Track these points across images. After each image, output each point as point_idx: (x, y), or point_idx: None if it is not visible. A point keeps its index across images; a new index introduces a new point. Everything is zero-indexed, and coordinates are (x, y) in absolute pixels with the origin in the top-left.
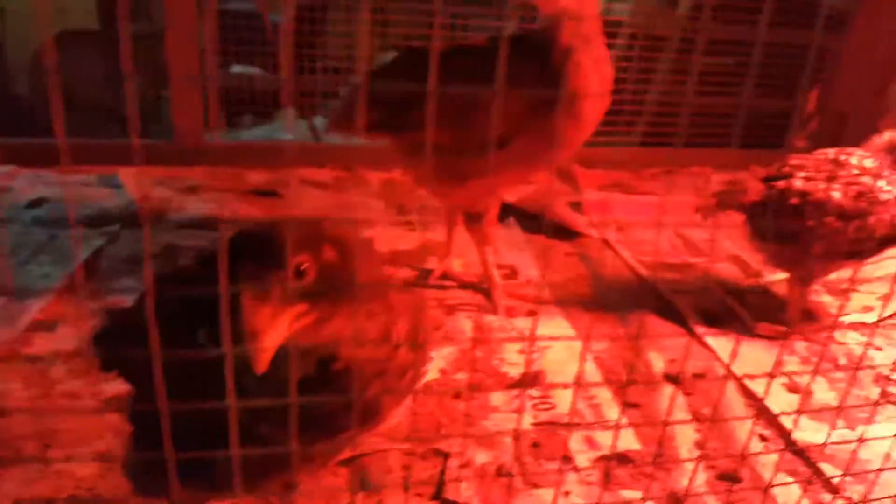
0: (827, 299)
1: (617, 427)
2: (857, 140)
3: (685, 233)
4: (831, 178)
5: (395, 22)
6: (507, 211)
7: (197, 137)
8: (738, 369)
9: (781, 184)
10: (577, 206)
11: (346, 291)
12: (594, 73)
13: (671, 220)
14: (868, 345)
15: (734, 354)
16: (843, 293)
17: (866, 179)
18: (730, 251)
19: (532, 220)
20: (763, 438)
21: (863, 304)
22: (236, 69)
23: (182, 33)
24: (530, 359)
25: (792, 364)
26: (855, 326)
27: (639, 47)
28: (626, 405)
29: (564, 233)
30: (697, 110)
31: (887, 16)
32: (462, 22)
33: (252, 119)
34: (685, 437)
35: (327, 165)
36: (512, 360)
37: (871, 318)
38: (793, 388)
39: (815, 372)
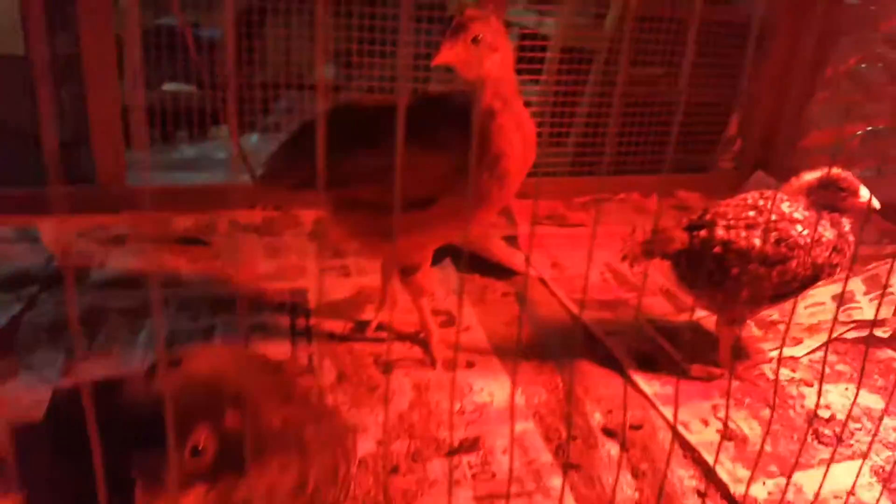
0: (756, 332)
1: (560, 500)
2: (780, 160)
3: (616, 266)
4: (751, 226)
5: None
6: (442, 251)
7: (121, 181)
8: (674, 416)
9: (703, 233)
10: (512, 241)
11: (252, 454)
12: (517, 134)
13: (601, 255)
14: (799, 382)
15: (676, 405)
16: (772, 325)
17: (785, 225)
18: (661, 285)
19: (468, 260)
20: (700, 494)
21: (791, 336)
22: (169, 87)
23: (100, 58)
24: (469, 419)
25: (725, 408)
26: (784, 362)
27: (567, 61)
28: (567, 466)
29: (500, 271)
30: (624, 132)
31: (804, 37)
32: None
33: (187, 137)
34: (626, 497)
35: (257, 206)
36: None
37: (800, 350)
38: (729, 435)
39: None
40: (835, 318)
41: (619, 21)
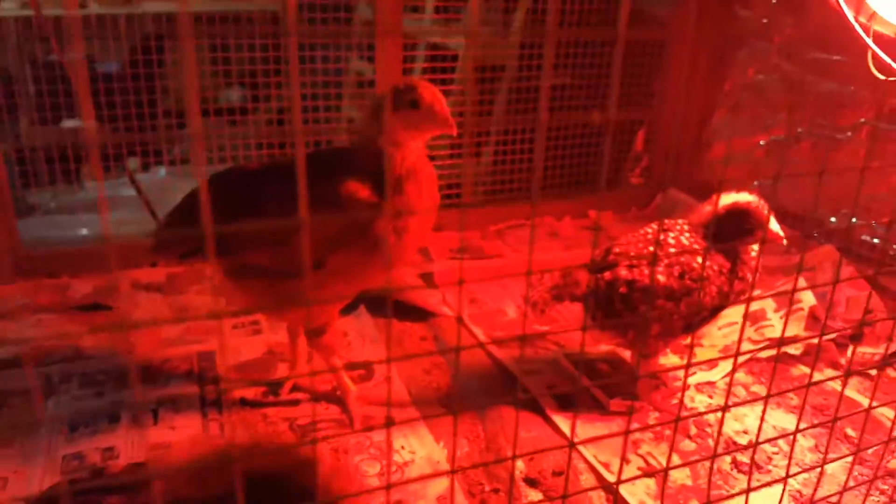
0: (674, 359)
1: None
2: (688, 174)
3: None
4: (653, 262)
5: (237, 58)
6: (355, 298)
7: (13, 249)
8: (596, 456)
9: (608, 275)
10: (428, 278)
11: None
12: (425, 193)
13: (517, 286)
14: (716, 408)
15: (596, 445)
16: (686, 349)
17: (687, 257)
18: (578, 315)
19: (383, 305)
20: None
21: (706, 358)
22: (68, 123)
23: None
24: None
25: (646, 443)
26: (701, 387)
27: (480, 80)
28: None
29: (417, 313)
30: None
31: (702, 50)
32: (309, 53)
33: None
34: None
35: (158, 263)
36: (372, 484)
37: (716, 374)
38: (649, 472)
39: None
40: (740, 338)
41: (526, 26)
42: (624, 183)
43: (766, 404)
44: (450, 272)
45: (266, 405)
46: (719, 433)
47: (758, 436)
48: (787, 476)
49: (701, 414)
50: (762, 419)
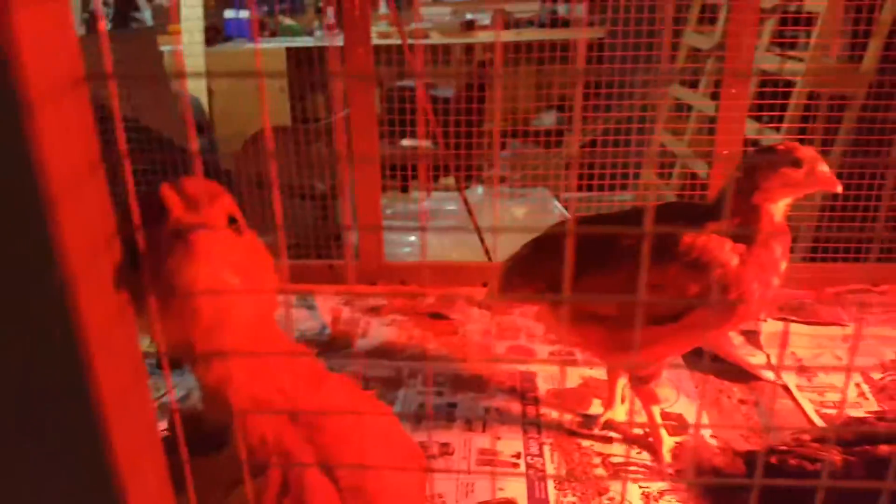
0: None
1: None
2: None
3: (875, 379)
4: None
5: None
6: None
7: (379, 257)
8: None
9: None
10: (752, 336)
11: None
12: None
13: (858, 361)
14: None
15: None
16: None
17: None
18: None
19: (700, 358)
20: None
21: None
22: (404, 142)
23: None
24: None
25: None
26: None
27: (815, 108)
28: None
29: (738, 373)
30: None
31: None
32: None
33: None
34: None
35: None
36: None
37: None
38: None
39: None
40: None
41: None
42: None
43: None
44: (777, 334)
45: (580, 436)
46: None
47: None
48: None
49: None
50: None
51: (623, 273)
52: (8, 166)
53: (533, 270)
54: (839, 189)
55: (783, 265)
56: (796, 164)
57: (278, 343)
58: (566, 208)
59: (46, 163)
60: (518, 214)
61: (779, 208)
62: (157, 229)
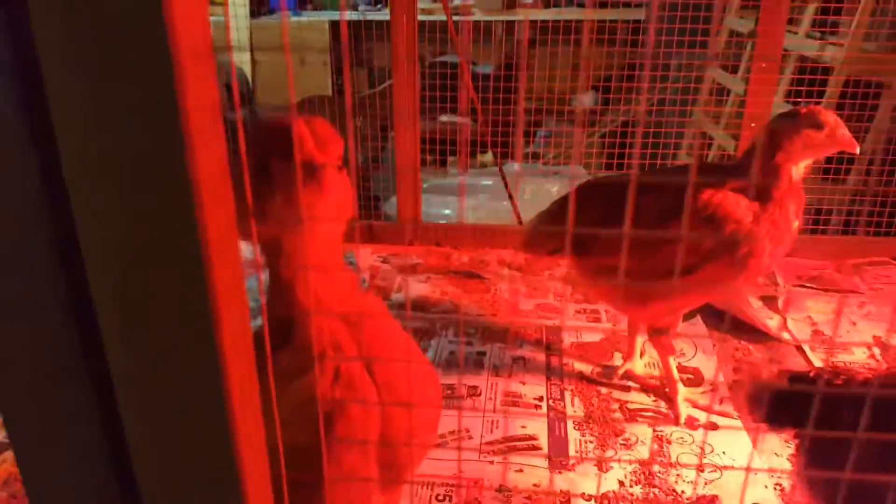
0: None
1: None
2: None
3: (887, 342)
4: None
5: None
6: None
7: (415, 219)
8: None
9: None
10: (770, 301)
11: None
12: (796, 215)
13: (869, 327)
14: None
15: None
16: None
17: None
18: None
19: (720, 317)
20: None
21: None
22: (444, 118)
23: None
24: (708, 479)
25: None
26: None
27: (851, 95)
28: None
29: (755, 333)
30: None
31: None
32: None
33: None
34: None
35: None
36: (689, 478)
37: None
38: None
39: None
40: None
41: None
42: None
43: None
44: (796, 300)
45: (600, 384)
46: None
47: None
48: None
49: None
50: None
51: (645, 225)
52: (159, 107)
53: (554, 224)
54: (857, 150)
55: (796, 224)
56: (818, 126)
57: (339, 258)
58: None
59: (188, 107)
60: (553, 191)
61: (799, 169)
62: (287, 161)
